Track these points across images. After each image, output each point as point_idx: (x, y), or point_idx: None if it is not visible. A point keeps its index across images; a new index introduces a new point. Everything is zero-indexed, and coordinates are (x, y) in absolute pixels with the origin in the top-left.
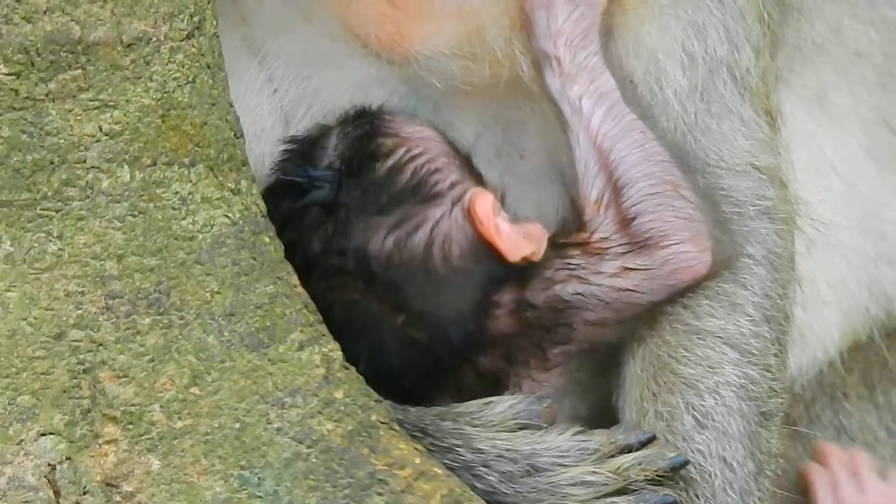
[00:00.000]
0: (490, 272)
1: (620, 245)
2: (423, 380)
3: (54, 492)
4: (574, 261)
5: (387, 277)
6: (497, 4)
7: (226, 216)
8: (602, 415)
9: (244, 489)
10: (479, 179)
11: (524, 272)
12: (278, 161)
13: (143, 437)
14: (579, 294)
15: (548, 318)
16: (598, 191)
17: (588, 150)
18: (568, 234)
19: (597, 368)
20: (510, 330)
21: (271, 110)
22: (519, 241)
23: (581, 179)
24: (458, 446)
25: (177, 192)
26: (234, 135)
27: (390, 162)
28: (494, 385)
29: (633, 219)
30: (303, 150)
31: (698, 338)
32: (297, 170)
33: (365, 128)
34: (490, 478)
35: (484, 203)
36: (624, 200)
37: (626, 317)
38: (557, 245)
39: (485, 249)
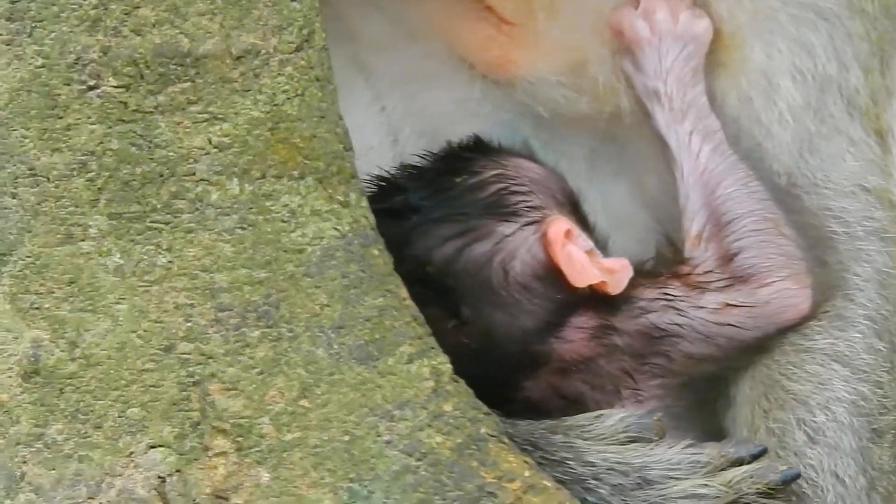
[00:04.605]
0: (556, 296)
1: (722, 280)
2: (478, 385)
3: None
4: (672, 292)
5: (441, 282)
6: (601, 38)
7: (335, 229)
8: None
9: (353, 502)
10: (577, 216)
11: (610, 299)
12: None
13: (252, 450)
14: (677, 325)
15: (640, 345)
16: (699, 225)
17: (693, 184)
18: (668, 265)
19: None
20: (589, 353)
21: (379, 127)
22: (588, 269)
23: (683, 212)
24: (569, 459)
25: (286, 205)
26: (344, 147)
27: (475, 179)
28: (577, 406)
29: (736, 254)
30: (407, 167)
31: (808, 355)
32: (387, 179)
33: (466, 149)
34: (601, 490)
35: (558, 227)
36: (727, 236)
37: (731, 351)
38: (655, 274)
39: (551, 273)
